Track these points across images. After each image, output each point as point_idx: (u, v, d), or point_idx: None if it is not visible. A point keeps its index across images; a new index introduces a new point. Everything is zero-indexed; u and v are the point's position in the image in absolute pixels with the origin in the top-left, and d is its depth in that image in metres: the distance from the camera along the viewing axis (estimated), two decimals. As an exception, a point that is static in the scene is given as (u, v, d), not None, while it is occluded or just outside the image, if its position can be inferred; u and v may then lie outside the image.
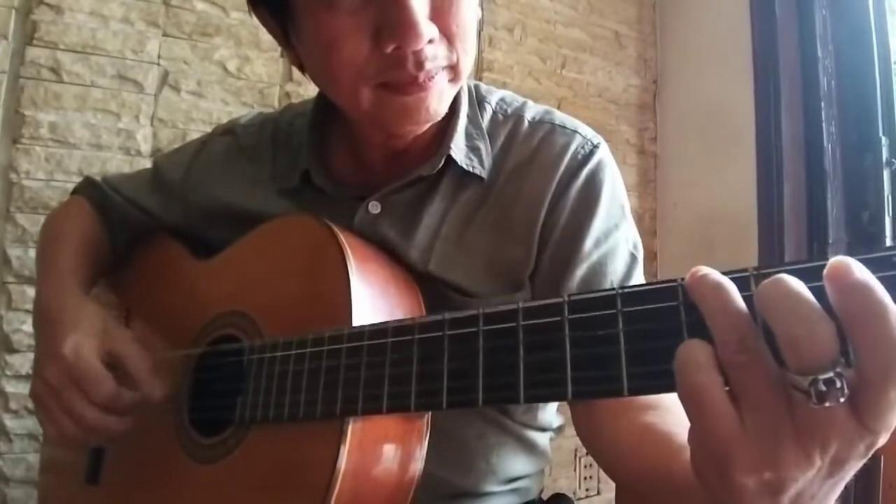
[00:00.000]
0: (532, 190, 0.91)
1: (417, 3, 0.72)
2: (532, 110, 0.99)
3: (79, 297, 0.96)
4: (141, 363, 0.86)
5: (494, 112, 0.98)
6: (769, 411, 0.42)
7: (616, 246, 0.90)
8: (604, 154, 0.95)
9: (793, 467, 0.43)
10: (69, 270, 1.00)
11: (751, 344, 0.42)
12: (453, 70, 0.81)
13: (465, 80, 0.87)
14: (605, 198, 0.91)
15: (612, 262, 0.89)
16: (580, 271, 0.87)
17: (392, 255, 0.90)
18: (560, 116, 0.98)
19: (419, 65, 0.76)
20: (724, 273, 0.45)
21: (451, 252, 0.90)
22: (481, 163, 0.92)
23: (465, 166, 0.91)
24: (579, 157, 0.93)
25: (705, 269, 0.44)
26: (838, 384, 0.39)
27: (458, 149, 0.91)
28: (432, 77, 0.78)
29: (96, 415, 0.83)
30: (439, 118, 0.85)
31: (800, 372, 0.40)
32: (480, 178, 0.92)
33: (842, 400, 0.40)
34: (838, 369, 0.39)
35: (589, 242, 0.88)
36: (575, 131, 0.95)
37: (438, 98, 0.81)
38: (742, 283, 0.44)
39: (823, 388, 0.39)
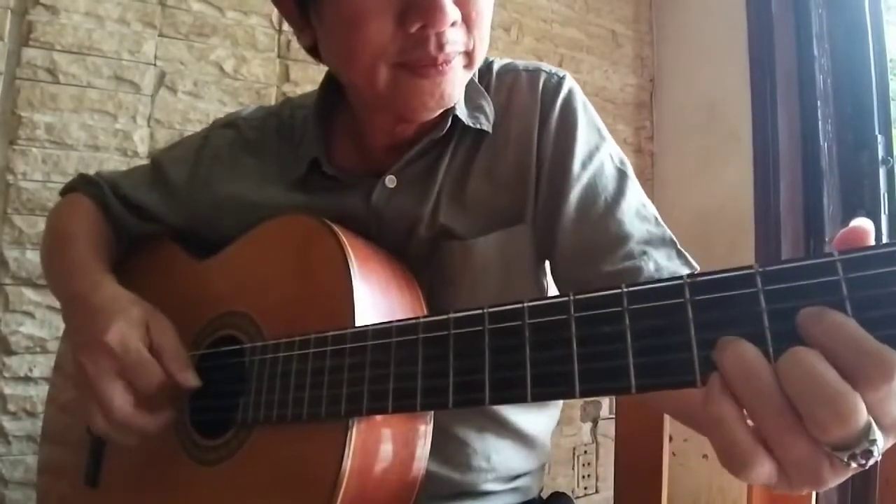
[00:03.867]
0: (518, 132, 0.93)
1: None
2: (497, 63, 1.01)
3: (113, 284, 0.94)
4: (176, 355, 0.85)
5: (476, 72, 1.00)
6: (813, 471, 0.43)
7: (602, 165, 0.92)
8: (570, 82, 0.97)
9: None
10: (93, 262, 0.99)
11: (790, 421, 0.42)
12: (468, 56, 0.83)
13: (476, 70, 0.89)
14: (581, 122, 0.93)
15: (601, 180, 0.90)
16: (574, 195, 0.89)
17: (410, 226, 0.92)
18: (521, 62, 1.01)
19: (440, 46, 0.77)
20: (730, 270, 0.45)
21: (453, 203, 0.92)
22: (487, 118, 0.94)
23: (471, 124, 0.93)
24: (550, 89, 0.95)
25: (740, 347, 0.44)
26: (875, 452, 0.40)
27: (461, 111, 0.92)
28: (450, 61, 0.80)
29: (129, 409, 0.81)
30: (451, 104, 0.86)
31: (836, 449, 0.41)
32: (478, 132, 0.94)
33: (880, 458, 0.41)
34: (871, 437, 0.40)
35: (576, 166, 0.90)
36: (538, 69, 0.98)
37: (453, 83, 0.82)
38: (747, 281, 0.45)
39: (863, 460, 0.40)
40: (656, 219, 0.90)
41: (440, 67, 0.79)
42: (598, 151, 0.92)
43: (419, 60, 0.79)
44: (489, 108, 0.95)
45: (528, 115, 0.94)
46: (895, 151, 2.03)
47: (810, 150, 2.16)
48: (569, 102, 0.94)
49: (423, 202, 0.92)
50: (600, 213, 0.88)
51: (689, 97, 2.61)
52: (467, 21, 0.80)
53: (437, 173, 0.93)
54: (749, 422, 0.44)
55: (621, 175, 0.92)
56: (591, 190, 0.89)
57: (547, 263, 0.96)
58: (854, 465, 0.41)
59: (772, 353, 0.43)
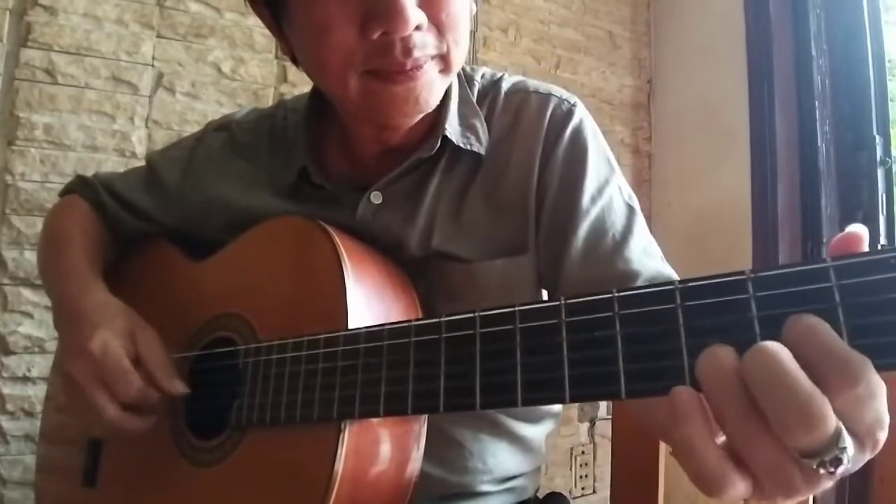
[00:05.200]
0: (519, 157, 0.92)
1: None
2: (507, 81, 0.99)
3: (103, 293, 0.95)
4: (161, 364, 0.86)
5: (479, 89, 0.99)
6: (784, 478, 0.42)
7: (611, 199, 0.90)
8: (582, 112, 0.95)
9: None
10: (86, 268, 1.00)
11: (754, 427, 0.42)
12: (443, 60, 0.81)
13: (455, 73, 0.87)
14: (591, 154, 0.92)
15: (610, 216, 0.89)
16: (582, 230, 0.87)
17: (395, 243, 0.90)
18: (533, 82, 0.99)
19: (407, 52, 0.75)
20: (721, 276, 0.45)
21: (450, 227, 0.91)
22: (478, 139, 0.92)
23: (461, 145, 0.91)
24: (558, 117, 0.93)
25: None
26: (845, 459, 0.40)
27: (452, 129, 0.91)
28: (420, 66, 0.78)
29: (118, 413, 0.82)
30: (430, 109, 0.84)
31: (804, 456, 0.40)
32: (475, 153, 0.92)
33: (850, 465, 0.40)
34: (841, 444, 0.39)
35: (585, 200, 0.88)
36: (549, 93, 0.96)
37: (428, 88, 0.80)
38: (739, 287, 0.44)
39: (832, 468, 0.40)
40: (661, 257, 0.89)
41: (410, 73, 0.77)
42: (608, 185, 0.91)
43: (387, 67, 0.77)
44: (482, 128, 0.93)
45: (531, 141, 0.92)
46: (893, 152, 2.03)
47: (808, 151, 2.16)
48: (579, 132, 0.93)
49: (410, 221, 0.91)
50: (609, 250, 0.86)
51: (687, 98, 2.61)
52: (437, 24, 0.78)
53: (424, 192, 0.92)
54: (718, 440, 0.43)
55: (630, 210, 0.91)
56: (600, 225, 0.88)
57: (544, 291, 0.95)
58: (823, 472, 0.40)
59: None
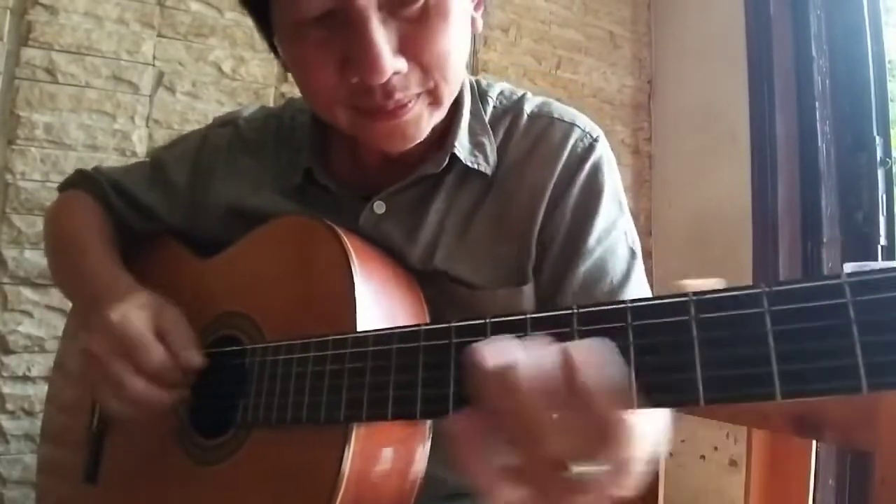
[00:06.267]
0: (532, 184, 0.90)
1: (380, 37, 0.71)
2: (530, 103, 0.97)
3: (126, 277, 0.95)
4: (181, 336, 0.85)
5: (495, 106, 0.97)
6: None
7: (616, 243, 0.89)
8: (603, 148, 0.93)
9: None
10: (104, 258, 0.99)
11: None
12: (432, 94, 0.80)
13: (448, 105, 0.85)
14: (606, 194, 0.90)
15: (612, 258, 0.88)
16: (583, 268, 0.87)
17: (395, 255, 0.89)
18: (558, 108, 0.97)
19: (387, 94, 0.75)
20: (735, 289, 0.45)
21: (455, 246, 0.90)
22: (486, 159, 0.91)
23: (469, 164, 0.90)
24: (579, 150, 0.91)
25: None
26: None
27: (461, 146, 0.90)
28: (404, 105, 0.77)
29: (141, 385, 0.80)
30: (420, 139, 0.83)
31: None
32: (484, 173, 0.91)
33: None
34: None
35: (592, 240, 0.88)
36: (573, 123, 0.94)
37: (415, 123, 0.80)
38: (754, 301, 0.44)
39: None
40: None
41: (393, 112, 0.77)
42: (615, 228, 0.90)
43: (369, 108, 0.77)
44: (491, 147, 0.92)
45: (546, 170, 0.90)
46: (893, 152, 2.03)
47: (808, 152, 2.16)
48: (597, 169, 0.91)
49: (413, 235, 0.90)
50: (604, 294, 0.86)
51: (687, 98, 2.61)
52: (421, 65, 0.76)
53: (429, 207, 0.91)
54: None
55: (632, 255, 0.90)
56: (601, 265, 0.87)
57: None
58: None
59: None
